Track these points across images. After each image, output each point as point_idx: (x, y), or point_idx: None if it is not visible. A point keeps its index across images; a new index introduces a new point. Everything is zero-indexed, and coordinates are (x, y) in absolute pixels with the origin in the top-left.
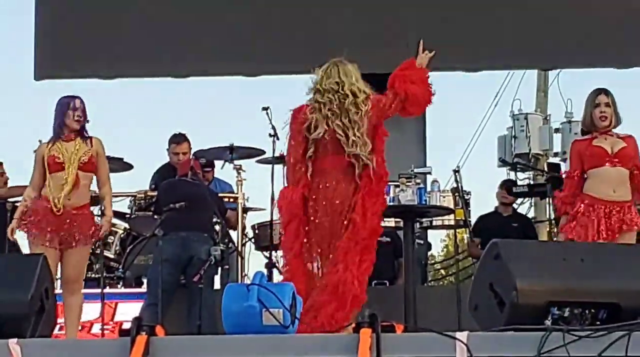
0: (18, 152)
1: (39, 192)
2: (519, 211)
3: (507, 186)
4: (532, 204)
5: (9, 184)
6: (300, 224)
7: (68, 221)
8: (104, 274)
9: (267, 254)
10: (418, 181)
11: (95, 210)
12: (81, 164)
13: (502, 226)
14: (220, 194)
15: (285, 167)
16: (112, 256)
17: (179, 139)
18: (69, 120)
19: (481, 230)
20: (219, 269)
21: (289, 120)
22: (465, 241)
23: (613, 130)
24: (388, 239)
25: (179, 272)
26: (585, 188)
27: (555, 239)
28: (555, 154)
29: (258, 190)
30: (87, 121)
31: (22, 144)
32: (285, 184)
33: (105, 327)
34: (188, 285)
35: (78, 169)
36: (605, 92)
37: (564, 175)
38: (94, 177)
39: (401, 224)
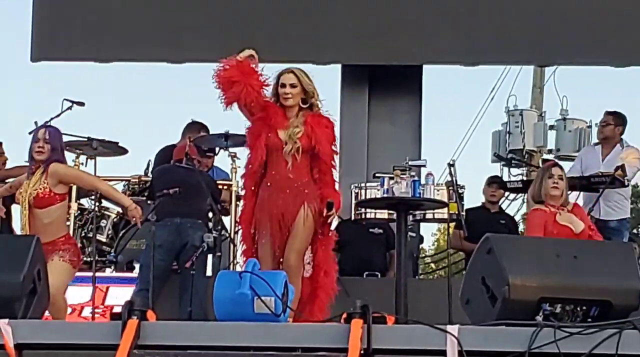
0: (14, 132)
1: None
2: (508, 207)
3: (497, 182)
4: (525, 200)
5: (7, 165)
6: None
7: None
8: (96, 258)
9: None
10: (412, 173)
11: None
12: (30, 203)
13: (491, 221)
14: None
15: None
16: (104, 240)
17: (207, 128)
18: (33, 152)
19: (469, 223)
20: (211, 256)
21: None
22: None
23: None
24: (380, 231)
25: (171, 258)
26: None
27: None
28: (550, 151)
29: None
30: (57, 149)
31: (18, 125)
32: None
33: (95, 310)
34: (181, 271)
35: (30, 208)
36: (560, 166)
37: None
38: (59, 207)
39: (394, 216)
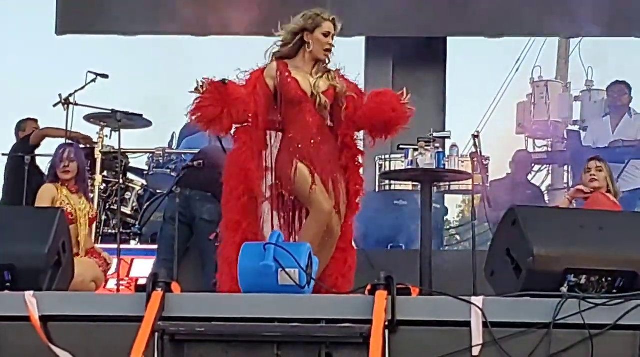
0: (39, 104)
1: None
2: (533, 178)
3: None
4: (550, 171)
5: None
6: None
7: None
8: (121, 230)
9: None
10: (437, 145)
11: None
12: (89, 220)
13: (516, 192)
14: None
15: None
16: (129, 212)
17: None
18: (58, 170)
19: (494, 195)
20: None
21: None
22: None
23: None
24: (405, 203)
25: (186, 230)
26: None
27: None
28: (575, 122)
29: None
30: (84, 167)
31: (43, 97)
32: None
33: (120, 282)
34: (201, 244)
35: (88, 226)
36: (598, 158)
37: None
38: None
39: (419, 187)
